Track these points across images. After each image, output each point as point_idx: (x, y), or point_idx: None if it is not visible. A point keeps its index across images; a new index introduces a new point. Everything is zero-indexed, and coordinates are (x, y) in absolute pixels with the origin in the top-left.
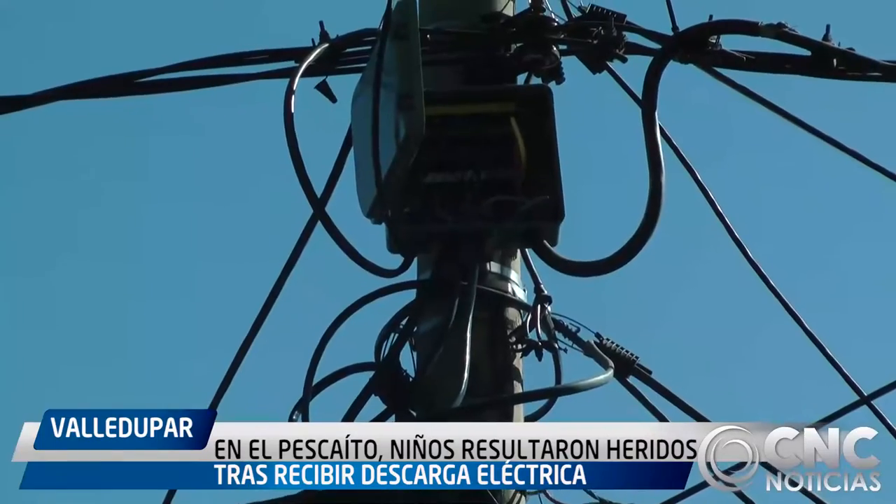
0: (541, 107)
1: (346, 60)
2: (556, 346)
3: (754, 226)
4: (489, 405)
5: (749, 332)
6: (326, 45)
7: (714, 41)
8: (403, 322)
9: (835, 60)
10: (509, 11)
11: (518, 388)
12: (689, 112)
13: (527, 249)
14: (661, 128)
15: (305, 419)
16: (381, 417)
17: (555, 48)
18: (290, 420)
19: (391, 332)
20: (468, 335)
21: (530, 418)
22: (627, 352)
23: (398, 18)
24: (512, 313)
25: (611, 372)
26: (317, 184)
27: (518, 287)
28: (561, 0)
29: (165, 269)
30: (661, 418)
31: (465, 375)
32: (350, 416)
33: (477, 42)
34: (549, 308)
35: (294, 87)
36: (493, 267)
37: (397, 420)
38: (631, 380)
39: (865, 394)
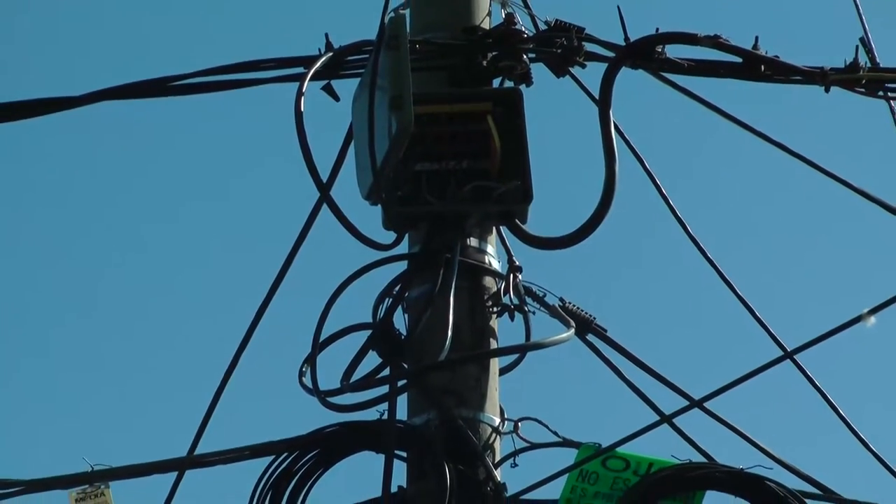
0: (513, 106)
1: (348, 66)
2: (525, 308)
3: (694, 206)
4: (469, 359)
5: (687, 296)
6: (331, 53)
7: (660, 50)
8: (397, 288)
9: (763, 66)
10: (486, 25)
11: (494, 345)
12: (640, 112)
13: (501, 227)
14: (614, 123)
15: (314, 373)
16: (377, 369)
17: (525, 56)
18: (300, 372)
19: (386, 297)
20: (451, 300)
21: (504, 370)
22: (586, 313)
23: (391, 31)
24: (488, 281)
25: (572, 331)
26: (322, 171)
27: (494, 259)
28: (530, 15)
29: (197, 241)
30: (616, 370)
31: (449, 334)
32: (351, 369)
33: (458, 51)
34: (520, 276)
35: (303, 90)
36: (473, 242)
37: (391, 373)
38: (590, 338)
39: (789, 349)
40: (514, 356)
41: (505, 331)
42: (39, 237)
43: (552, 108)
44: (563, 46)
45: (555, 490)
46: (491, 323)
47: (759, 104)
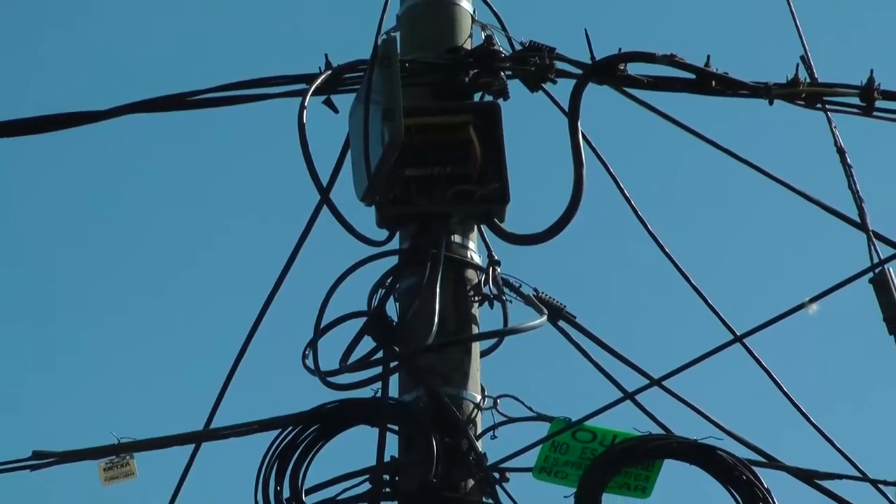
0: (492, 118)
1: (345, 83)
2: (503, 298)
3: (654, 206)
4: (453, 343)
5: (648, 287)
6: (330, 71)
7: (622, 68)
8: (389, 280)
9: (713, 81)
10: (468, 46)
11: (475, 330)
12: (605, 123)
13: (481, 225)
14: (582, 133)
15: (315, 356)
16: (371, 352)
17: (502, 73)
18: (303, 355)
19: (380, 288)
20: (438, 290)
21: (485, 353)
22: (558, 302)
23: (384, 51)
24: (471, 273)
25: (545, 317)
26: (323, 176)
27: (475, 253)
28: (507, 37)
29: (208, 240)
30: (584, 353)
31: (436, 320)
32: (348, 352)
33: (443, 69)
34: (498, 269)
35: (306, 103)
36: (456, 239)
37: (384, 355)
38: (561, 324)
39: (739, 334)
40: (494, 340)
41: (485, 318)
42: (66, 232)
43: (527, 119)
44: (536, 65)
45: (530, 459)
46: (473, 311)
47: (709, 115)
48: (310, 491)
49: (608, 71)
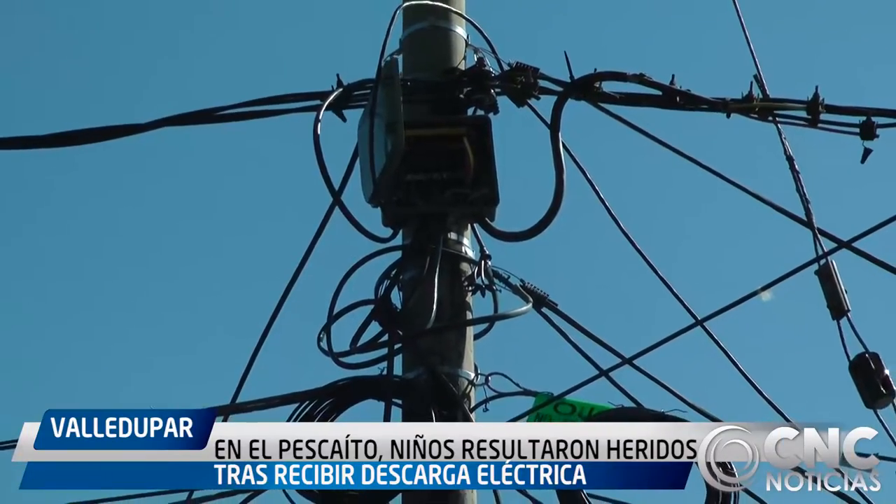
0: (483, 130)
1: (354, 98)
2: (493, 287)
3: (626, 207)
4: (450, 327)
5: (621, 277)
6: (341, 89)
7: (597, 86)
8: (393, 272)
9: (678, 98)
10: (462, 66)
11: (469, 316)
12: (583, 135)
13: (474, 224)
14: (563, 143)
15: (329, 339)
16: (378, 336)
17: (492, 91)
18: (318, 338)
19: (385, 279)
20: (436, 281)
21: (477, 335)
22: (541, 291)
23: (387, 71)
24: (465, 266)
25: (529, 305)
26: (335, 181)
27: (468, 249)
28: (496, 58)
29: (231, 239)
30: (564, 335)
31: (434, 307)
32: (358, 335)
33: (440, 87)
34: (489, 262)
35: (320, 117)
36: (452, 236)
37: (389, 338)
38: (544, 310)
39: (699, 318)
40: (485, 325)
41: (478, 305)
42: (98, 232)
43: (514, 130)
44: (522, 83)
45: None
46: (467, 299)
47: (674, 126)
48: None
49: (585, 88)
